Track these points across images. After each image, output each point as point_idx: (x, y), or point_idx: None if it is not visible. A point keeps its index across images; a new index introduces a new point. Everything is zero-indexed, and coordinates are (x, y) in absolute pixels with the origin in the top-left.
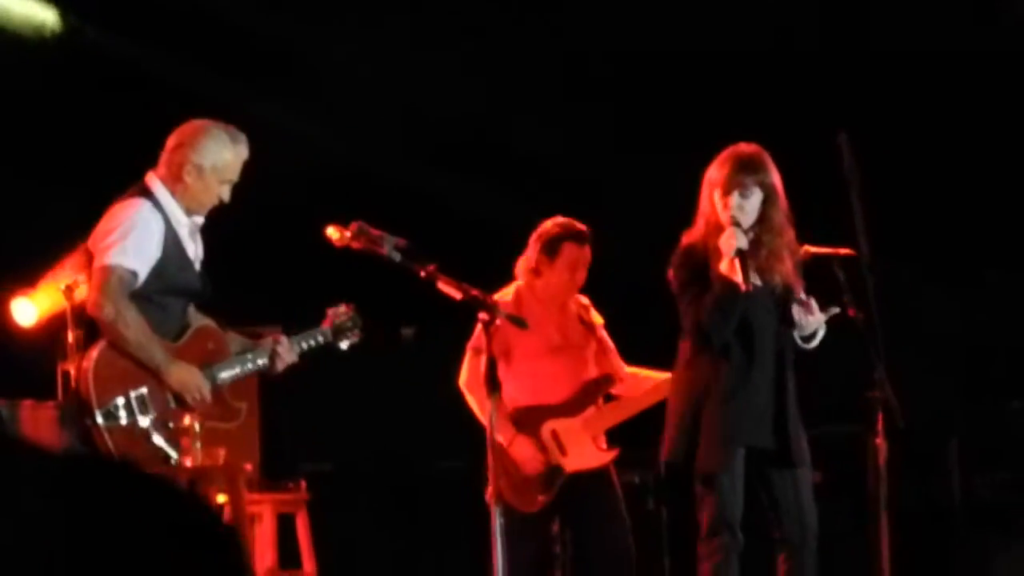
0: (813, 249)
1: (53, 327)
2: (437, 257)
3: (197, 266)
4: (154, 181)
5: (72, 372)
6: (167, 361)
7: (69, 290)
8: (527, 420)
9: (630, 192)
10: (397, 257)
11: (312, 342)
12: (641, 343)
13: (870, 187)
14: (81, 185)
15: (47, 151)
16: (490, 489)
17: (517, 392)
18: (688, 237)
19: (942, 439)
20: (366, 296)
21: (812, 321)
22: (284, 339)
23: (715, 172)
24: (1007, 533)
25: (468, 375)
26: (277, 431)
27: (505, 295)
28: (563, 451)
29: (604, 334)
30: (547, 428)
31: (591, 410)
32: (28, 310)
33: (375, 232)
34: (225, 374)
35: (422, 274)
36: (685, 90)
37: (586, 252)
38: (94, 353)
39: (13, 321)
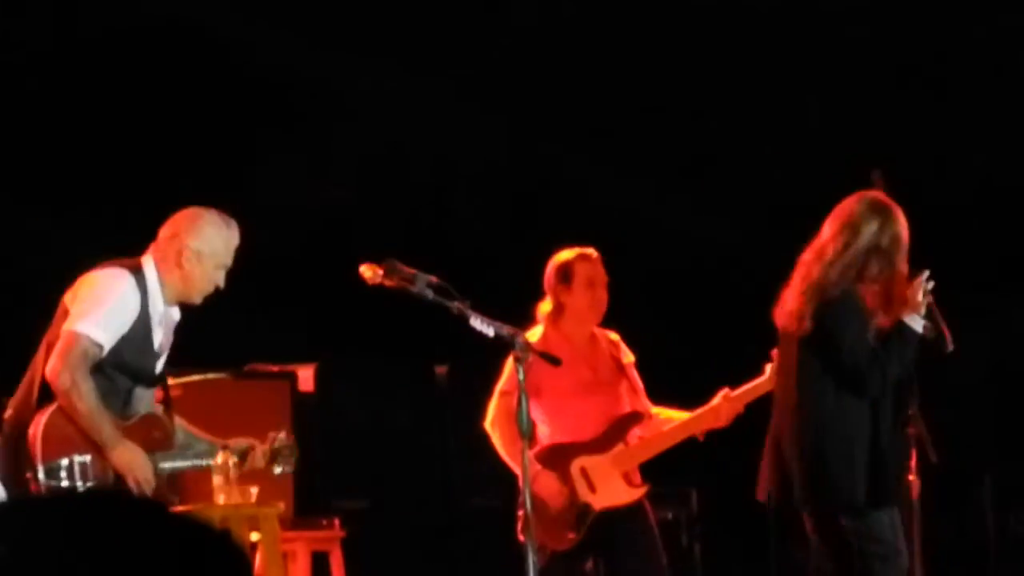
0: None
1: None
2: (469, 295)
3: (161, 355)
4: (148, 263)
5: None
6: (115, 439)
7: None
8: (556, 458)
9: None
10: (429, 295)
11: (245, 458)
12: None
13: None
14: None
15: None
16: (521, 527)
17: (547, 430)
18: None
19: (977, 476)
20: (401, 333)
21: None
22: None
23: (898, 227)
24: None
25: (494, 416)
26: (311, 468)
27: (532, 335)
28: (592, 488)
29: (634, 372)
30: (576, 465)
31: (620, 447)
32: None
33: (407, 270)
34: (167, 464)
35: (455, 311)
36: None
37: (600, 270)
38: (48, 411)
39: None
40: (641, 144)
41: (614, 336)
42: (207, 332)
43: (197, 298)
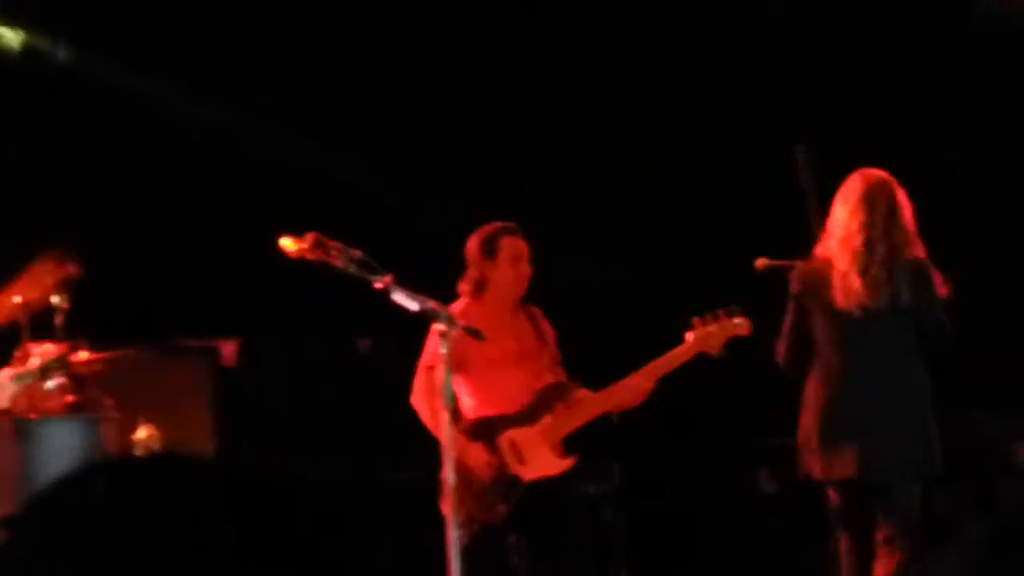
0: (769, 261)
1: None
2: (393, 269)
3: None
4: None
5: None
6: None
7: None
8: (485, 430)
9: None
10: (353, 269)
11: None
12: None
13: (827, 199)
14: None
15: None
16: (446, 500)
17: (474, 403)
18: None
19: None
20: (321, 307)
21: None
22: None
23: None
24: None
25: (419, 390)
26: (234, 444)
27: (454, 309)
28: (521, 460)
29: (555, 344)
30: (505, 438)
31: (548, 418)
32: None
33: (331, 243)
34: None
35: (378, 286)
36: (641, 101)
37: (522, 243)
38: None
39: None
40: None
41: (535, 310)
42: (129, 307)
43: None
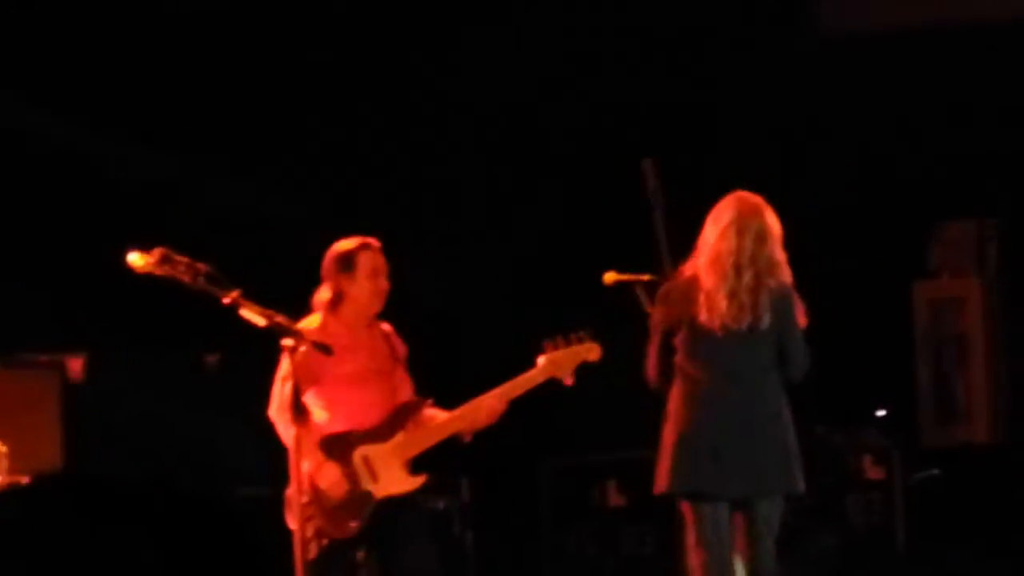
0: (617, 275)
1: None
2: (242, 284)
3: None
4: None
5: None
6: None
7: None
8: (338, 447)
9: None
10: (201, 284)
11: None
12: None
13: (674, 212)
14: None
15: None
16: (291, 516)
17: (328, 418)
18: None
19: None
20: (171, 322)
21: None
22: None
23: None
24: None
25: (276, 403)
26: (84, 459)
27: (310, 323)
28: (374, 477)
29: (406, 364)
30: (359, 454)
31: (401, 435)
32: None
33: (179, 259)
34: None
35: (225, 301)
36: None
37: (381, 259)
38: None
39: None
40: None
41: (387, 327)
42: None
43: None
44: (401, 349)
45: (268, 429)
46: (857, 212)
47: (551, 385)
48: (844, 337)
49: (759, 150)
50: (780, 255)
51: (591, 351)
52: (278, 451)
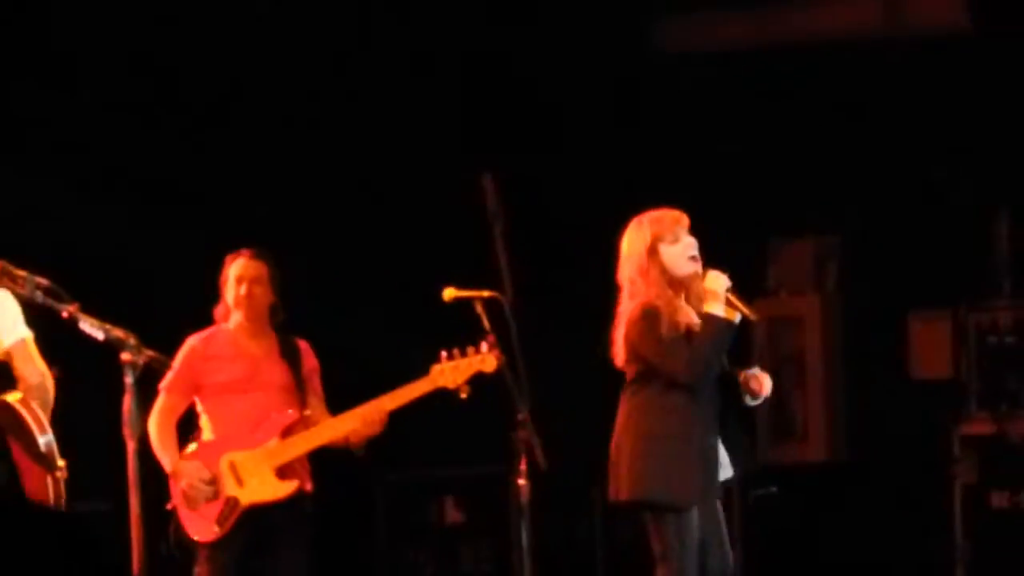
0: (456, 292)
1: None
2: (83, 299)
3: None
4: None
5: None
6: None
7: None
8: (208, 453)
9: None
10: (39, 297)
11: None
12: None
13: (514, 228)
14: None
15: None
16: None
17: (211, 428)
18: (640, 302)
19: (585, 481)
20: None
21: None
22: None
23: (648, 232)
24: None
25: (152, 413)
26: None
27: (199, 334)
28: (240, 483)
29: (316, 378)
30: (225, 459)
31: (273, 442)
32: None
33: (17, 272)
34: None
35: (64, 314)
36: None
37: (253, 265)
38: None
39: None
40: None
41: (302, 342)
42: None
43: None
44: (311, 365)
45: (107, 443)
46: (692, 230)
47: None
48: None
49: (600, 167)
50: (619, 277)
51: (485, 362)
52: (120, 464)
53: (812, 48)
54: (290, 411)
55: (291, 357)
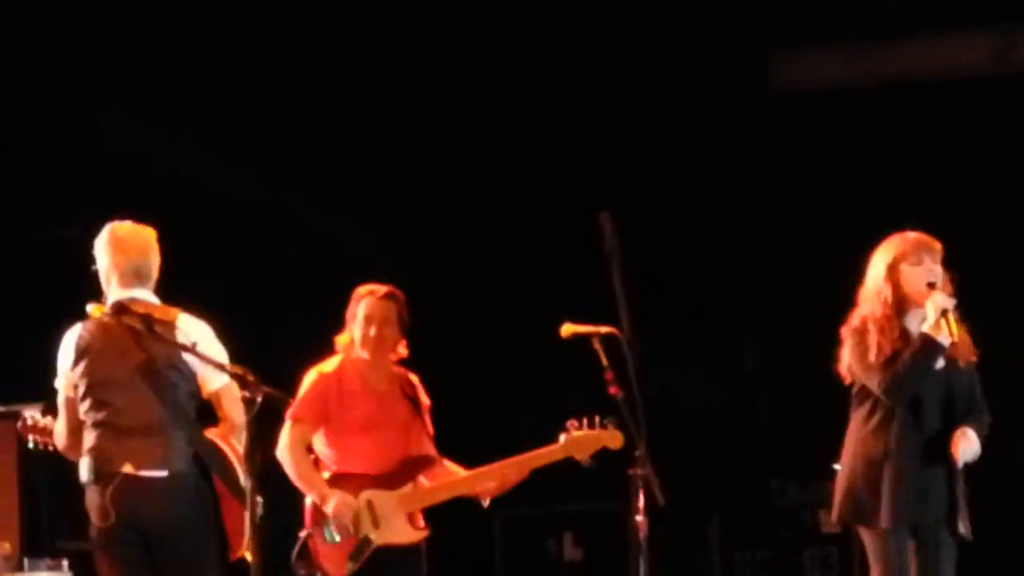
0: (574, 327)
1: None
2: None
3: None
4: None
5: None
6: None
7: None
8: (346, 486)
9: None
10: None
11: None
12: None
13: (631, 266)
14: None
15: None
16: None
17: (337, 461)
18: (858, 317)
19: (704, 517)
20: None
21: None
22: None
23: (894, 250)
24: None
25: (286, 443)
26: (38, 509)
27: (328, 365)
28: (375, 523)
29: (428, 417)
30: (363, 496)
31: (409, 487)
32: None
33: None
34: None
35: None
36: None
37: (384, 306)
38: None
39: None
40: None
41: (414, 378)
42: None
43: None
44: (424, 403)
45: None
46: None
47: None
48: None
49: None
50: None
51: (614, 439)
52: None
53: (918, 86)
54: (425, 454)
55: (410, 394)
